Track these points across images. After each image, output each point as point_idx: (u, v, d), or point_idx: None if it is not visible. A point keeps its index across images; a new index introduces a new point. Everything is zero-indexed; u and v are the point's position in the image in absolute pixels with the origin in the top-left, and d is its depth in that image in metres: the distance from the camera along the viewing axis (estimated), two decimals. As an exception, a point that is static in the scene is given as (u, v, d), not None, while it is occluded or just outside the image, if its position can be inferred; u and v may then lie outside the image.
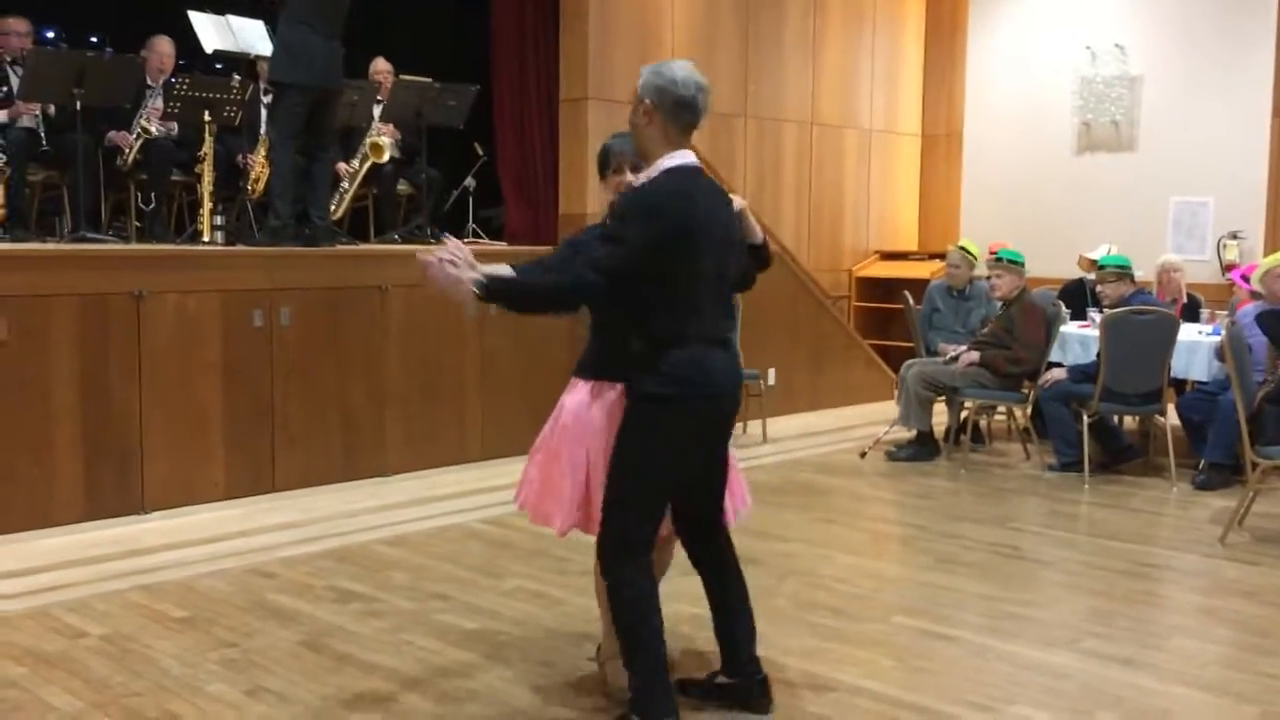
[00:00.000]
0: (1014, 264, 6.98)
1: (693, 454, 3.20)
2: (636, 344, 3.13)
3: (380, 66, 8.01)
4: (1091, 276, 7.58)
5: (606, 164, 3.45)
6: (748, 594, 3.45)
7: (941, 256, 8.65)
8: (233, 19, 6.99)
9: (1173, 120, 9.43)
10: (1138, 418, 7.23)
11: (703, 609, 3.49)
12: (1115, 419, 7.06)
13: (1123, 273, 6.94)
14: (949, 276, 7.69)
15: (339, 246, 6.69)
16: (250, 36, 6.84)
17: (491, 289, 2.97)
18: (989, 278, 7.23)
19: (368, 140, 7.69)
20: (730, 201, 3.28)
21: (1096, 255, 7.76)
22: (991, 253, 7.42)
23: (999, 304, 7.16)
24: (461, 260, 2.96)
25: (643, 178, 3.16)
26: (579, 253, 3.22)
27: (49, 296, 5.26)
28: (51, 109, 6.70)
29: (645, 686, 3.14)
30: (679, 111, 3.14)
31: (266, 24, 6.73)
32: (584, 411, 3.32)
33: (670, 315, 3.10)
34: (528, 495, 3.45)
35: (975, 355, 7.00)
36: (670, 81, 3.14)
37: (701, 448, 3.22)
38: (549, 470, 3.37)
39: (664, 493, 3.21)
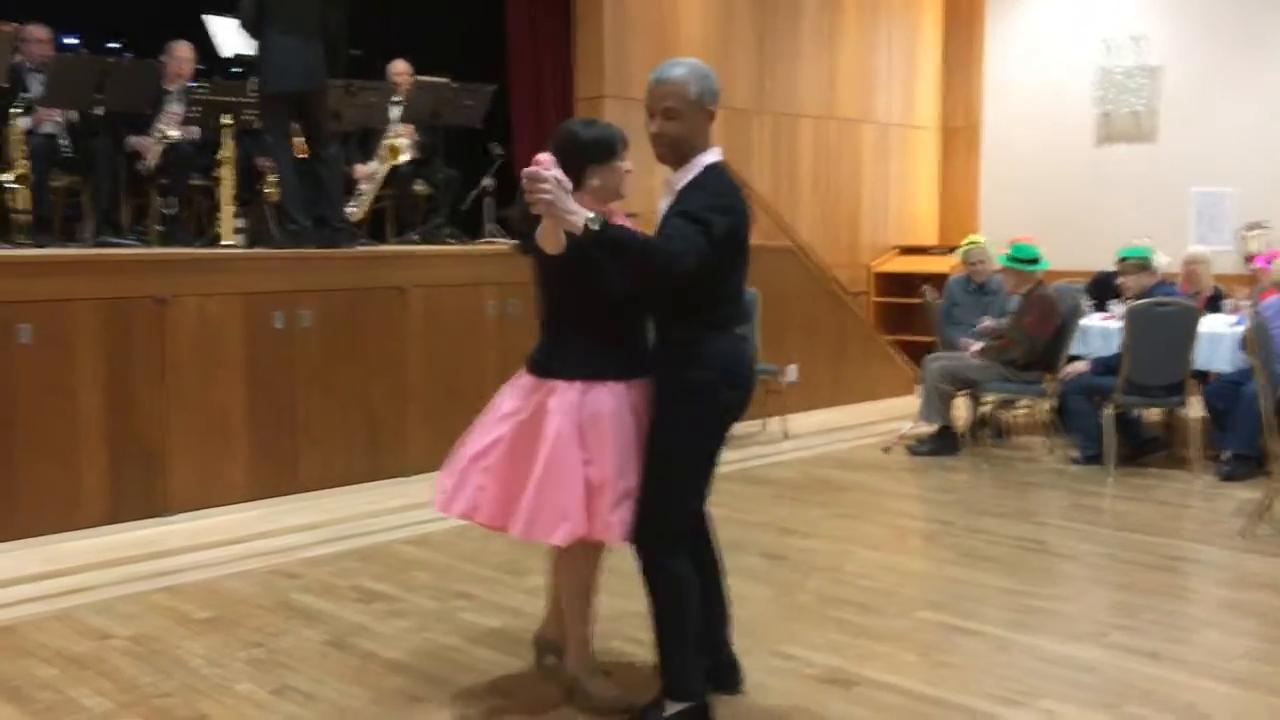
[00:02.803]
0: (1015, 260, 6.95)
1: (722, 440, 3.27)
2: (679, 331, 3.19)
3: (399, 68, 8.02)
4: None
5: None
6: (724, 577, 3.48)
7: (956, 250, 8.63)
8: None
9: (1193, 110, 9.39)
10: (1161, 410, 7.19)
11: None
12: (1137, 412, 7.03)
13: (1144, 264, 6.91)
14: (972, 273, 7.66)
15: (359, 248, 6.72)
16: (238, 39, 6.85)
17: (605, 232, 2.89)
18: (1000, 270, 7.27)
19: (385, 142, 7.71)
20: None
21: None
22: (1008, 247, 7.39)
23: (1015, 298, 7.15)
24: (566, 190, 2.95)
25: (688, 172, 3.17)
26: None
27: (73, 301, 5.30)
28: (73, 115, 6.74)
29: (688, 669, 3.24)
30: (716, 107, 3.24)
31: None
32: (579, 412, 3.20)
33: (720, 303, 3.19)
34: (494, 509, 3.29)
35: (978, 346, 7.04)
36: (712, 77, 3.23)
37: (726, 434, 3.28)
38: (553, 480, 3.19)
39: (704, 479, 3.28)
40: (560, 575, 3.47)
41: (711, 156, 3.20)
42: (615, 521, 3.19)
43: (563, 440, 3.18)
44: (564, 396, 3.20)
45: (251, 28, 6.23)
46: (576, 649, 3.49)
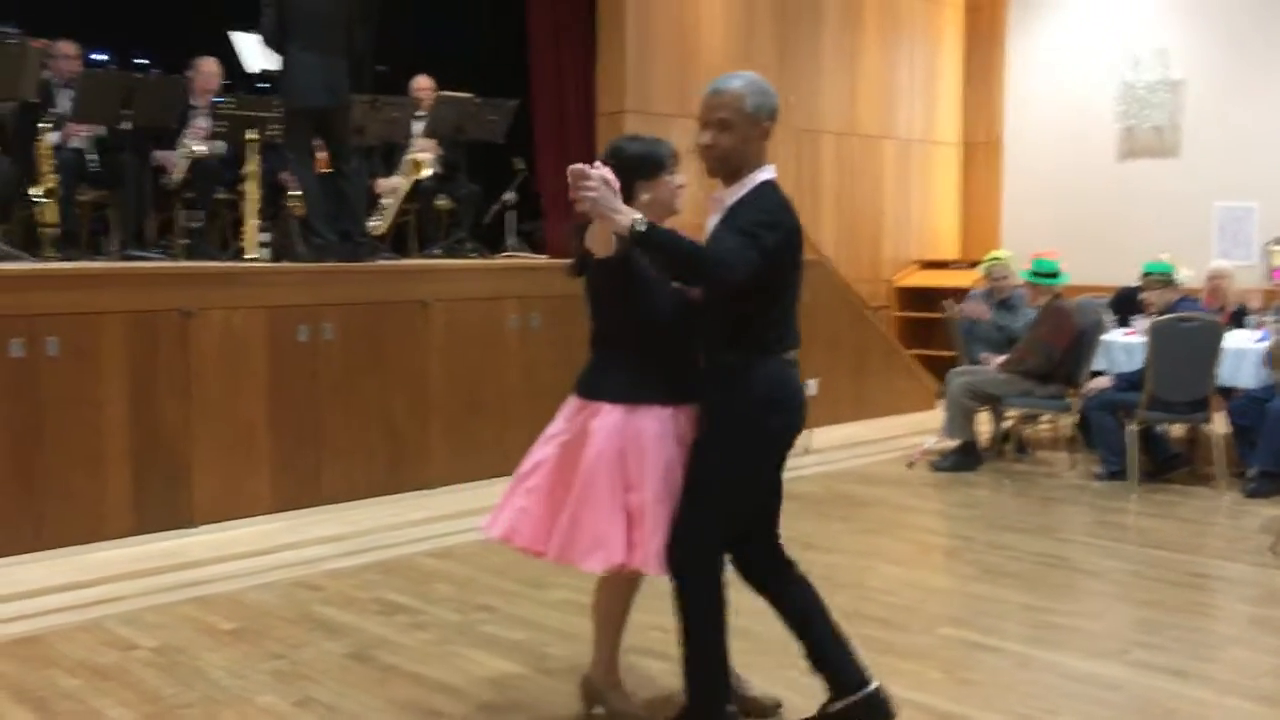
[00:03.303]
0: (1035, 274, 6.98)
1: (773, 468, 3.22)
2: (728, 355, 3.13)
3: (422, 83, 8.08)
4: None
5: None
6: (826, 604, 3.35)
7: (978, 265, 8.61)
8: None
9: (1216, 125, 9.34)
10: (1185, 426, 7.15)
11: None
12: (1161, 427, 6.99)
13: (1167, 279, 6.89)
14: (995, 288, 7.65)
15: (381, 262, 6.75)
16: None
17: (652, 234, 2.86)
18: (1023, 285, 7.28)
19: (408, 157, 7.77)
20: None
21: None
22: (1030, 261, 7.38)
23: (1036, 310, 7.15)
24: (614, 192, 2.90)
25: (741, 189, 3.12)
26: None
27: (99, 314, 5.35)
28: (101, 130, 6.82)
29: (709, 695, 3.18)
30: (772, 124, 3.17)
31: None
32: (621, 435, 3.14)
33: (770, 326, 3.12)
34: (535, 532, 3.24)
35: (1000, 360, 7.02)
36: (771, 94, 3.15)
37: (779, 462, 3.23)
38: (590, 503, 3.15)
39: (748, 504, 3.22)
40: (600, 594, 3.43)
41: (765, 174, 3.13)
42: (655, 551, 3.13)
43: (602, 463, 3.12)
44: (607, 419, 3.15)
45: (274, 44, 6.28)
46: (603, 664, 3.48)
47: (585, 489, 3.13)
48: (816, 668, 3.31)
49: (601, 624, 3.46)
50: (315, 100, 6.29)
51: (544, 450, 3.29)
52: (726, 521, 3.20)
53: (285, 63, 6.28)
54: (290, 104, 6.34)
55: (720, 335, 3.14)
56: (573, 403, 3.28)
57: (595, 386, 3.23)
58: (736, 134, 3.08)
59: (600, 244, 3.04)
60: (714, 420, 3.16)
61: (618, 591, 3.39)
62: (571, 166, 2.88)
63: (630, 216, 2.87)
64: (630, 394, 3.16)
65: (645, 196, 3.18)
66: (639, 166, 3.19)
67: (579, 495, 3.14)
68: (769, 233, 2.98)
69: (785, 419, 3.18)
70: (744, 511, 3.24)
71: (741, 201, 3.09)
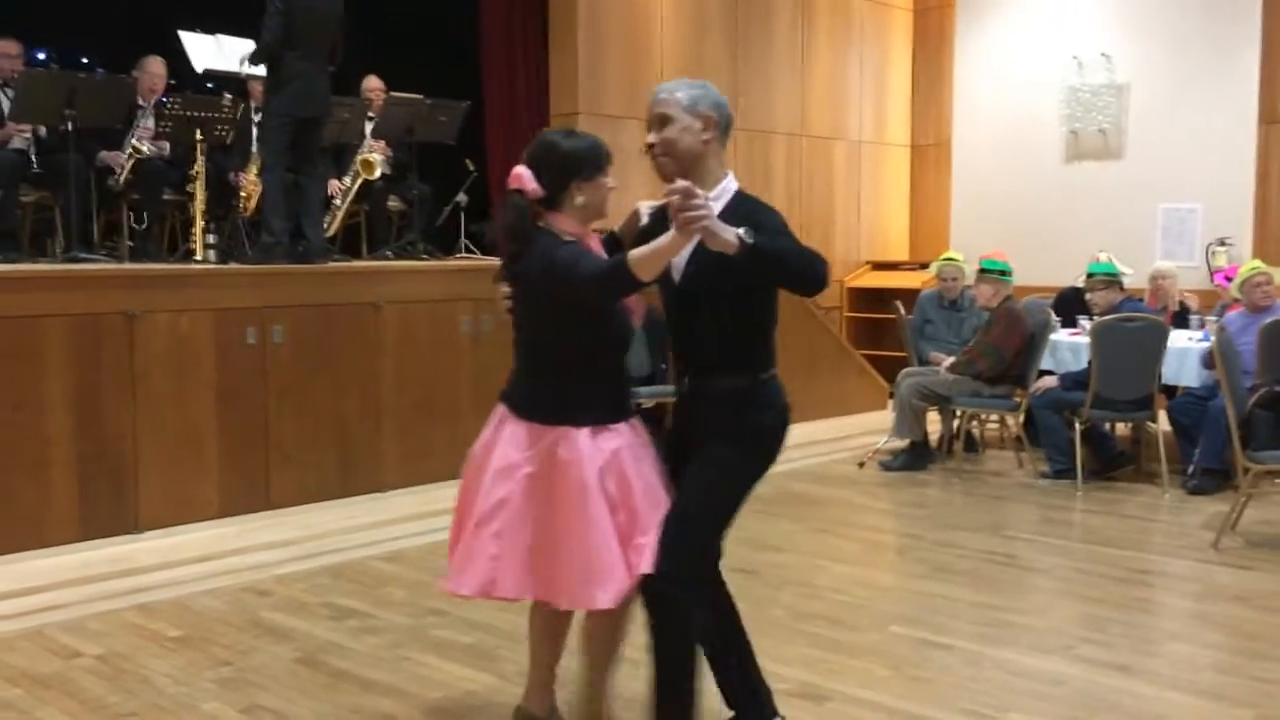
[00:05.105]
0: (987, 272, 7.04)
1: None
2: (745, 375, 3.00)
3: (372, 84, 8.04)
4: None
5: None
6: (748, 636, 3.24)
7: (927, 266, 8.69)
8: (224, 39, 7.02)
9: (1160, 128, 9.50)
10: (1129, 424, 7.26)
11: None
12: (1107, 426, 7.09)
13: (1111, 280, 6.99)
14: (944, 289, 7.72)
15: (332, 263, 6.71)
16: (241, 56, 6.88)
17: (758, 246, 2.62)
18: (972, 286, 7.33)
19: (359, 158, 7.71)
20: None
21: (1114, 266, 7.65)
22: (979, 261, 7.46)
23: (987, 312, 7.22)
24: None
25: (716, 202, 2.87)
26: None
27: (42, 317, 5.26)
28: (43, 130, 6.71)
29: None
30: (729, 131, 3.02)
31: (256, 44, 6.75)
32: (595, 459, 2.91)
33: (770, 340, 3.05)
34: (520, 579, 2.95)
35: (949, 361, 7.09)
36: (722, 100, 2.99)
37: None
38: (591, 539, 2.88)
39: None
40: (602, 631, 3.10)
41: (733, 183, 2.97)
42: (642, 558, 2.89)
43: (591, 494, 2.87)
44: (578, 445, 2.90)
45: (272, 54, 6.26)
46: (541, 687, 3.23)
47: (586, 526, 2.87)
48: (724, 695, 3.19)
49: (601, 657, 3.15)
50: (307, 110, 6.37)
51: (504, 487, 2.96)
52: (723, 536, 3.04)
53: (279, 71, 6.30)
54: (283, 109, 6.35)
55: (733, 355, 2.98)
56: (518, 429, 2.99)
57: (557, 410, 2.94)
58: (677, 126, 2.88)
59: (655, 269, 2.70)
60: (732, 441, 2.99)
61: (621, 625, 3.09)
62: (679, 184, 2.60)
63: (734, 233, 2.62)
64: (598, 415, 2.93)
65: (580, 199, 2.92)
66: (580, 166, 2.92)
67: (581, 534, 2.87)
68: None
69: (787, 432, 3.14)
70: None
71: (730, 212, 2.85)
